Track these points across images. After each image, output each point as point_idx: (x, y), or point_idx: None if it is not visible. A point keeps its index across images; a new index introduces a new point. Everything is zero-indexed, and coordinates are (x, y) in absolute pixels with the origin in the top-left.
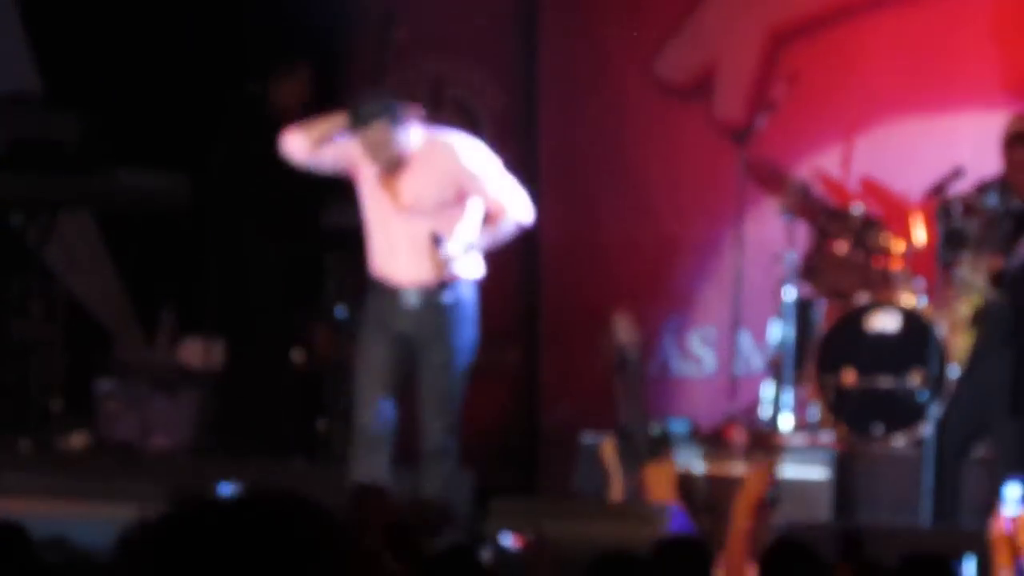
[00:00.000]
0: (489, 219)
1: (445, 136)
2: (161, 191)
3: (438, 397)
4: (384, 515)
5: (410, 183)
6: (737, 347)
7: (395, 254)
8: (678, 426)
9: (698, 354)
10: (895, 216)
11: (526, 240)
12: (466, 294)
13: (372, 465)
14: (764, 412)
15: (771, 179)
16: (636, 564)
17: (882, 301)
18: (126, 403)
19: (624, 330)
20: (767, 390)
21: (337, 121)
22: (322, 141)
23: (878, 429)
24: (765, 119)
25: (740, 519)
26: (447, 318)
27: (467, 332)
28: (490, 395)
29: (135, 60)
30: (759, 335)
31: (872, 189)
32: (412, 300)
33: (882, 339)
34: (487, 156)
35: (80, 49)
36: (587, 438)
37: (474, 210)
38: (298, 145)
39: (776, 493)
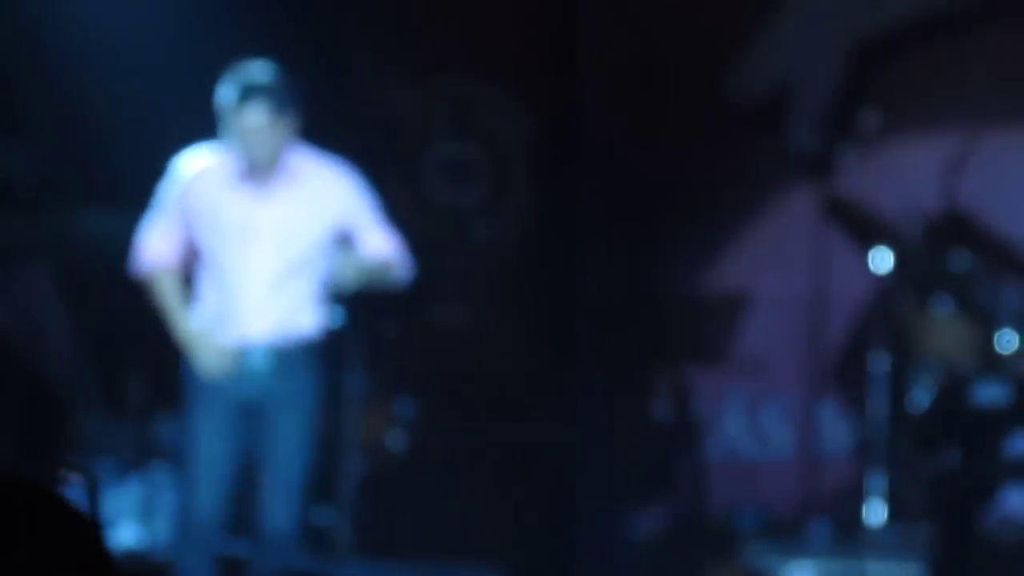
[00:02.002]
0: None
1: (329, 160)
2: (124, 232)
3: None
4: None
5: (277, 209)
6: (818, 423)
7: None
8: (748, 517)
9: (771, 432)
10: (1011, 266)
11: (559, 296)
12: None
13: None
14: (850, 501)
15: (858, 222)
16: None
17: (995, 370)
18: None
19: (681, 402)
20: (854, 475)
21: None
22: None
23: (988, 519)
24: (852, 150)
25: None
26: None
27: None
28: (519, 480)
29: (100, 86)
30: (845, 409)
31: (982, 235)
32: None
33: (995, 414)
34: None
35: (34, 70)
36: (636, 532)
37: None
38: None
39: None
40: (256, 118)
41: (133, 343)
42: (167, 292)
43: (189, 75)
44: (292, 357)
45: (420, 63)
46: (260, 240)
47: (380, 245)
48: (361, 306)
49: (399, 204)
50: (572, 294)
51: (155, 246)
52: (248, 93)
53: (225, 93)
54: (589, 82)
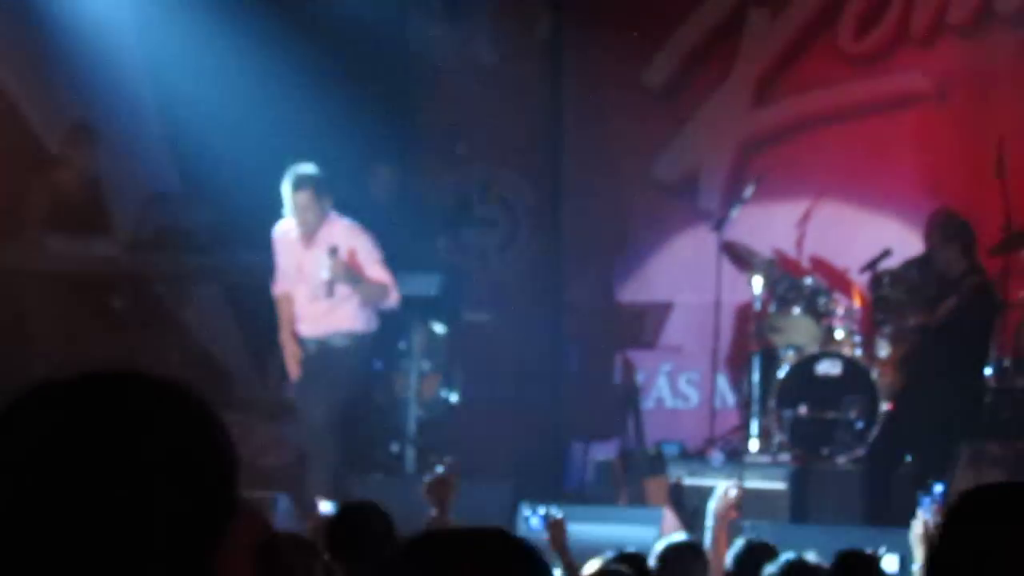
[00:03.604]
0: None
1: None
2: (268, 265)
3: None
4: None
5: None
6: (716, 387)
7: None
8: (670, 448)
9: (686, 392)
10: (838, 285)
11: (555, 304)
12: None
13: None
14: (736, 437)
15: (742, 258)
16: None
17: (828, 351)
18: (242, 432)
19: (629, 374)
20: (738, 420)
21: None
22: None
23: (825, 451)
24: (737, 211)
25: (717, 522)
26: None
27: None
28: (526, 424)
29: (250, 163)
30: (733, 378)
31: (820, 265)
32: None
33: (828, 380)
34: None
35: (207, 155)
36: (600, 457)
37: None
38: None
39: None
40: (302, 199)
41: (272, 334)
42: (282, 311)
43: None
44: (330, 346)
45: (460, 156)
46: (304, 275)
47: (379, 275)
48: (420, 313)
49: (449, 248)
50: (560, 303)
51: (275, 290)
52: (298, 183)
53: (285, 182)
54: (570, 168)
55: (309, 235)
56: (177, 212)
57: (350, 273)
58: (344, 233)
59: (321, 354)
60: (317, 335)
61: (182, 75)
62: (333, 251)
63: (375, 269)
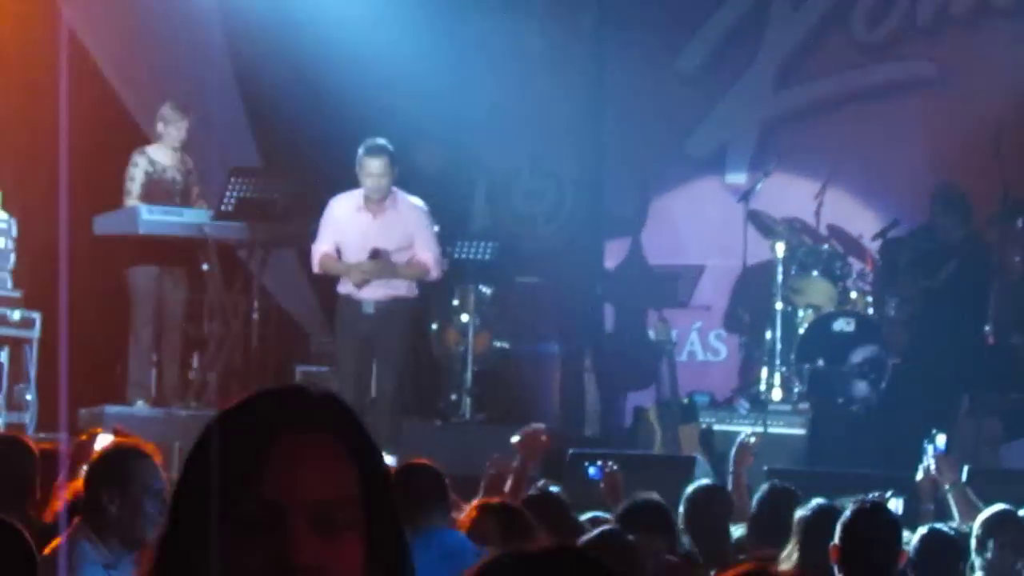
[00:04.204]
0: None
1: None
2: None
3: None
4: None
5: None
6: (742, 342)
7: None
8: (701, 398)
9: (715, 346)
10: (852, 251)
11: (595, 267)
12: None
13: None
14: (760, 387)
15: (765, 226)
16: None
17: (843, 310)
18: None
19: (663, 330)
20: (763, 372)
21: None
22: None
23: (840, 400)
24: (761, 183)
25: (736, 467)
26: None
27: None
28: (569, 376)
29: (320, 140)
30: (758, 334)
31: (836, 232)
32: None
33: (843, 336)
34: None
35: (284, 133)
36: (637, 407)
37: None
38: (318, 271)
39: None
40: (379, 165)
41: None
42: (329, 259)
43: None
44: (390, 308)
45: (509, 133)
46: (369, 243)
47: (424, 257)
48: (473, 277)
49: (501, 215)
50: (600, 266)
51: (319, 251)
52: (376, 150)
53: (361, 152)
54: (610, 144)
55: (378, 202)
56: (256, 184)
57: (385, 271)
58: (407, 206)
59: (382, 315)
60: (377, 298)
61: (259, 53)
62: (375, 254)
63: (424, 249)
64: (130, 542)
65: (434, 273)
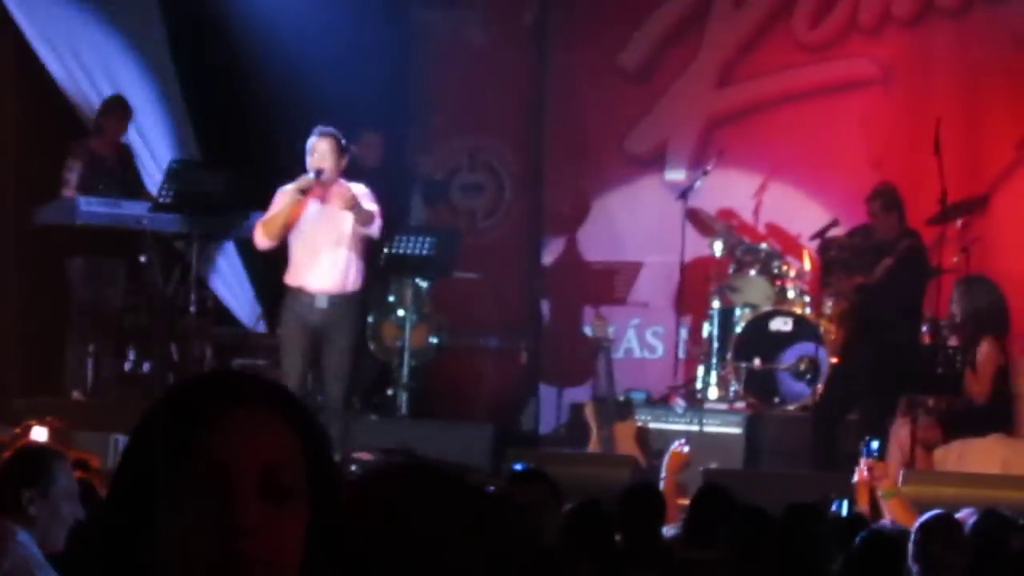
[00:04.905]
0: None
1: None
2: None
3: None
4: None
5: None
6: (679, 339)
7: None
8: (638, 395)
9: (652, 343)
10: (790, 250)
11: (534, 262)
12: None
13: None
14: (696, 385)
15: (704, 224)
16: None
17: (780, 310)
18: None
19: (601, 327)
20: (699, 370)
21: (285, 211)
22: (284, 230)
23: (777, 399)
24: (701, 181)
25: (672, 465)
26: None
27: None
28: (506, 371)
29: (259, 132)
30: (695, 331)
31: (774, 231)
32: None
33: (780, 336)
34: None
35: (223, 125)
36: (574, 402)
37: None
38: (263, 243)
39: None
40: (325, 145)
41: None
42: (268, 216)
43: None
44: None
45: (450, 126)
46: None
47: (370, 206)
48: (411, 271)
49: (438, 209)
50: (538, 262)
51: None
52: (323, 132)
53: (311, 137)
54: (551, 140)
55: (324, 188)
56: (195, 176)
57: (362, 216)
58: (351, 188)
59: (335, 309)
60: (330, 292)
61: (200, 46)
62: (319, 173)
63: (368, 203)
64: (45, 544)
65: (376, 225)
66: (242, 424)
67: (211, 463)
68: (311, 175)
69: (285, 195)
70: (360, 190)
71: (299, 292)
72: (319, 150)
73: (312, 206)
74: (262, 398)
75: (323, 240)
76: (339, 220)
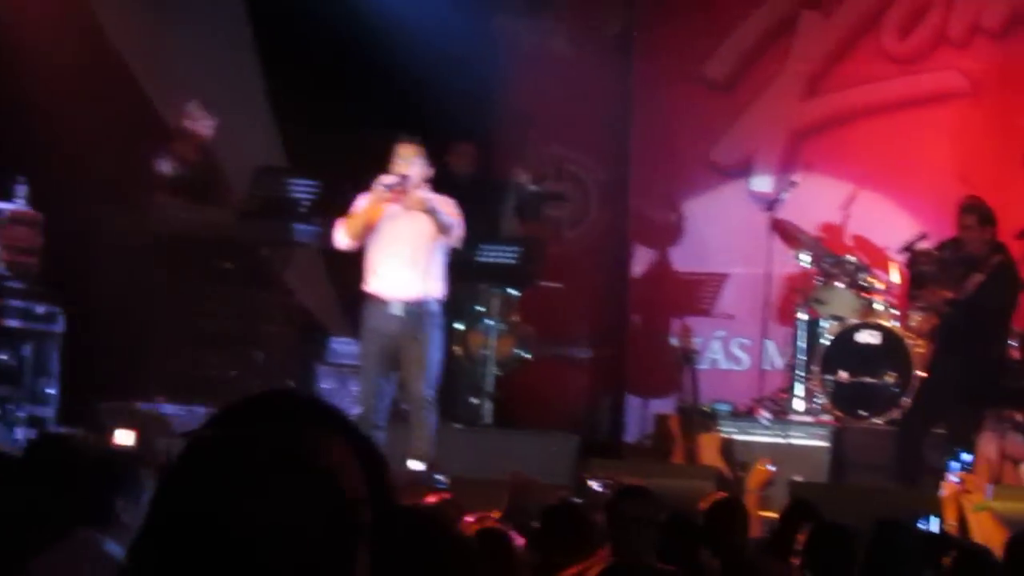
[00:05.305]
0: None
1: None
2: None
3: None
4: None
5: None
6: (765, 351)
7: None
8: (722, 407)
9: (737, 355)
10: (878, 263)
11: (619, 273)
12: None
13: None
14: (782, 397)
15: (790, 236)
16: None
17: (867, 322)
18: (339, 383)
19: (686, 338)
20: (785, 383)
21: (368, 210)
22: (364, 231)
23: (863, 413)
24: (787, 193)
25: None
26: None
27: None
28: (590, 382)
29: (347, 141)
30: (780, 344)
31: (862, 244)
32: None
33: (867, 349)
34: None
35: (309, 132)
36: (658, 413)
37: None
38: (343, 243)
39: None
40: (409, 151)
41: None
42: (349, 216)
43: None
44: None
45: (535, 136)
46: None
47: (451, 215)
48: (495, 280)
49: (525, 221)
50: (624, 272)
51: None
52: (408, 139)
53: (398, 141)
54: (636, 150)
55: (405, 194)
56: (281, 183)
57: (423, 204)
58: (436, 196)
59: (411, 317)
60: (406, 298)
61: (287, 53)
62: (400, 178)
63: (448, 213)
64: None
65: (456, 235)
66: (327, 451)
67: None
68: (393, 179)
69: (367, 198)
70: (443, 199)
71: (376, 299)
72: (402, 156)
73: (392, 212)
74: (330, 421)
75: (401, 247)
76: (418, 227)
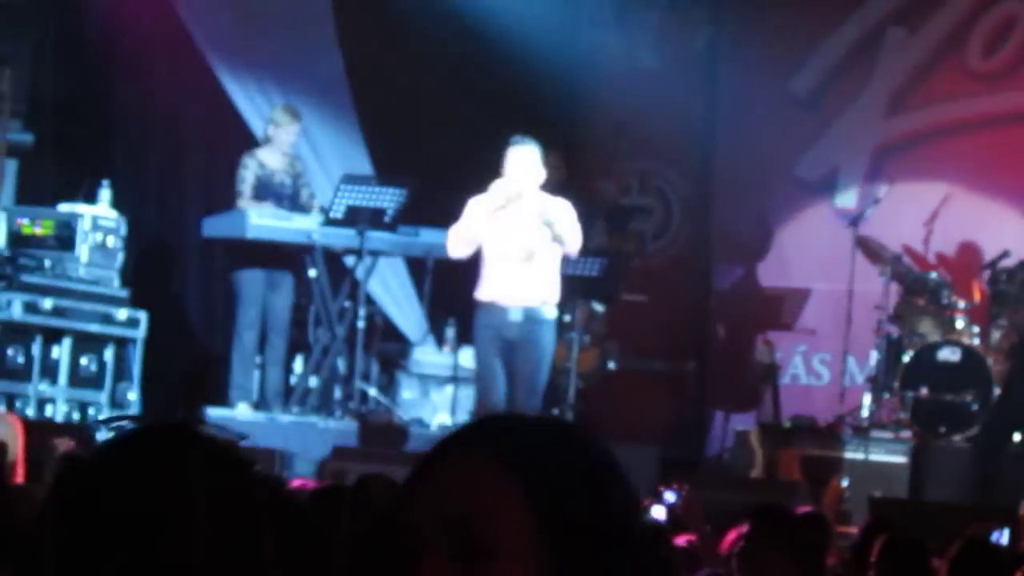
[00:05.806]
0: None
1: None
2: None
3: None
4: None
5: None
6: (845, 367)
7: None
8: (803, 422)
9: (818, 371)
10: (960, 281)
11: (703, 286)
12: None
13: None
14: (863, 414)
15: (873, 252)
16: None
17: (948, 340)
18: (421, 392)
19: (768, 353)
20: (865, 399)
21: (483, 218)
22: (478, 240)
23: (943, 429)
24: (872, 209)
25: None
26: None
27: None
28: (672, 395)
29: (432, 150)
30: (861, 359)
31: (944, 261)
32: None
33: (947, 366)
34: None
35: (396, 141)
36: (739, 427)
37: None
38: (457, 252)
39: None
40: (526, 153)
41: (449, 304)
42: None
43: (477, 150)
44: (538, 316)
45: (622, 149)
46: (508, 240)
47: (568, 223)
48: (579, 293)
49: (609, 234)
50: (708, 287)
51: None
52: (524, 140)
53: (511, 145)
54: (720, 164)
55: (520, 199)
56: (366, 192)
57: (544, 215)
58: (551, 201)
59: (530, 323)
60: (521, 304)
61: (375, 62)
62: (518, 184)
63: (566, 220)
64: None
65: (572, 243)
66: (435, 475)
67: (400, 524)
68: (510, 185)
69: (480, 204)
70: (559, 204)
71: (492, 306)
72: (519, 160)
73: (505, 218)
74: (475, 441)
75: (516, 253)
76: (533, 233)
